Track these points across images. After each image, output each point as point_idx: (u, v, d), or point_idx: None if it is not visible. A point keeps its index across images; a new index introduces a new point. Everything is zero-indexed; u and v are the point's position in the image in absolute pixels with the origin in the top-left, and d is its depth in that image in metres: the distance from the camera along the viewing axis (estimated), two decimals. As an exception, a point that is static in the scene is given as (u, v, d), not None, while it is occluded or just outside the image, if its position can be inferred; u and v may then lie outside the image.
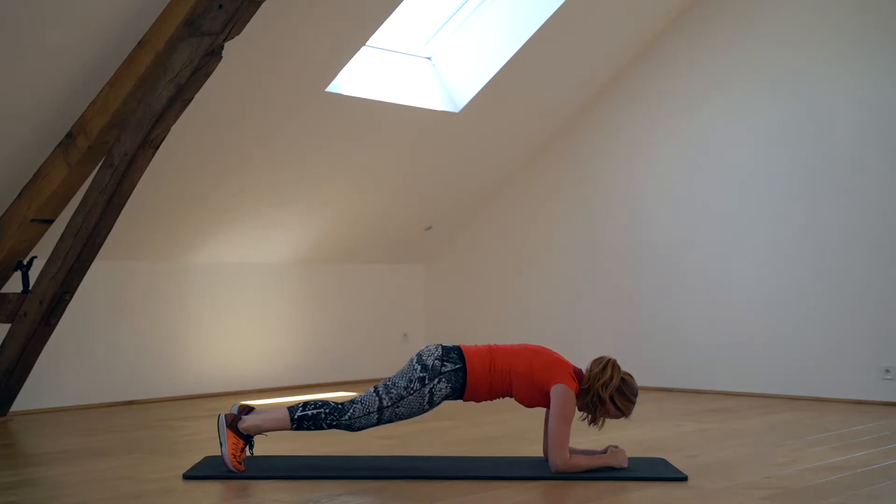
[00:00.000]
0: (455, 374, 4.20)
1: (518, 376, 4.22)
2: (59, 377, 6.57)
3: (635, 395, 4.26)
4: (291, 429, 4.18)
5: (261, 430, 4.20)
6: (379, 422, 4.21)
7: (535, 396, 4.24)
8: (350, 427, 4.20)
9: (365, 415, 4.18)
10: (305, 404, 4.20)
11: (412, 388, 4.18)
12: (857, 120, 6.83)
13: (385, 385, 4.22)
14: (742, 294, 7.27)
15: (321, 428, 4.19)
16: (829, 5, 7.02)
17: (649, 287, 7.76)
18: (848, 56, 6.90)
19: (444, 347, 4.27)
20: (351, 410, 4.18)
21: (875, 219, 6.72)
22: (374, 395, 4.20)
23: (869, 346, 6.68)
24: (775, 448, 4.90)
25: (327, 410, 4.17)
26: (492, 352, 4.29)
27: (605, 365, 4.24)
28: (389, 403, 4.18)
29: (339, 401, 4.26)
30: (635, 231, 7.87)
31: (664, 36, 7.75)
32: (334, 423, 4.18)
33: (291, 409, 4.19)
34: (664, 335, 7.64)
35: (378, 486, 4.01)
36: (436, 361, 4.20)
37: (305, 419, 4.16)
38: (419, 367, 4.21)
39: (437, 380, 4.18)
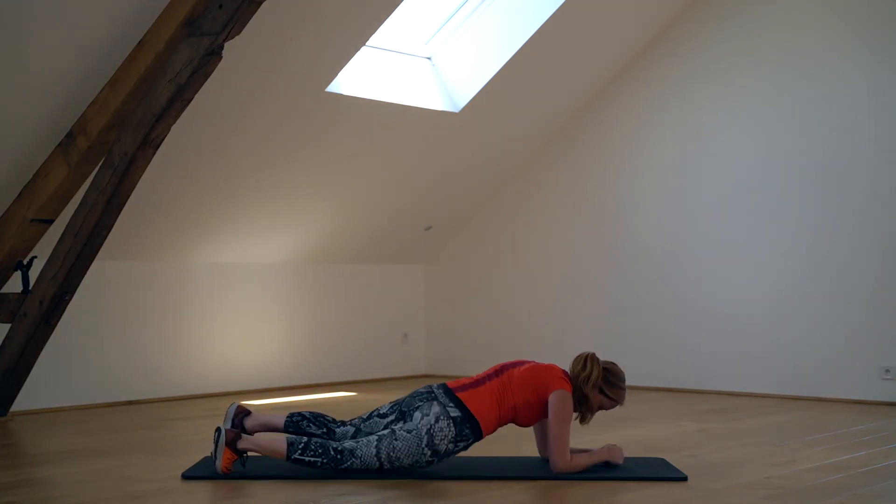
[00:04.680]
0: (465, 447, 4.19)
1: (522, 407, 4.21)
2: (59, 377, 6.57)
3: (623, 381, 4.28)
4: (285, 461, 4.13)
5: (256, 451, 4.16)
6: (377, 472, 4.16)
7: (537, 413, 4.24)
8: (345, 473, 4.11)
9: (362, 469, 4.10)
10: (305, 448, 4.07)
11: (417, 465, 4.12)
12: (861, 120, 6.82)
13: (388, 454, 4.06)
14: (742, 294, 7.26)
15: (315, 469, 4.11)
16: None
17: (650, 287, 7.75)
18: (854, 54, 6.89)
19: (454, 423, 4.09)
20: (349, 464, 4.08)
21: (876, 219, 6.72)
22: (376, 458, 4.07)
23: (869, 346, 6.68)
24: (775, 448, 4.90)
25: (325, 460, 4.07)
26: (493, 394, 4.18)
27: (584, 361, 4.25)
28: (389, 467, 4.10)
29: (338, 418, 4.26)
30: (636, 231, 7.86)
31: (665, 35, 7.75)
32: (329, 470, 4.10)
33: (291, 446, 4.07)
34: (664, 335, 7.63)
35: (378, 485, 4.01)
36: (448, 445, 4.11)
37: (303, 464, 4.10)
38: (429, 452, 4.08)
39: (446, 457, 4.16)
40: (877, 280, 6.69)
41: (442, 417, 4.09)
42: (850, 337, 6.76)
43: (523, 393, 4.19)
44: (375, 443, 4.08)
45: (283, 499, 3.78)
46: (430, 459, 4.11)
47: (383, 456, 4.07)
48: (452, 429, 4.09)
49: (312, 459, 4.07)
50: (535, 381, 4.21)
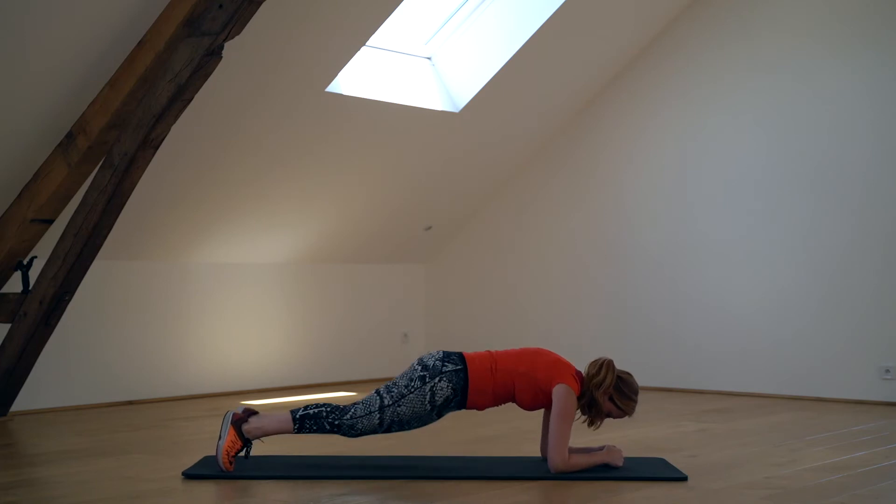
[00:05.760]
0: (456, 375, 4.19)
1: (521, 377, 4.21)
2: (59, 377, 6.57)
3: (636, 394, 4.26)
4: (293, 430, 4.21)
5: (263, 432, 4.22)
6: (381, 423, 4.20)
7: (538, 397, 4.23)
8: (352, 427, 4.19)
9: (366, 414, 4.19)
10: (307, 406, 4.26)
11: (413, 387, 4.18)
12: (860, 120, 6.83)
13: (387, 386, 4.26)
14: (742, 294, 7.27)
15: (323, 428, 4.20)
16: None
17: (650, 287, 7.75)
18: (854, 55, 6.89)
19: (445, 352, 4.30)
20: (352, 410, 4.21)
21: (876, 218, 6.72)
22: (376, 395, 4.23)
23: (869, 346, 6.68)
24: (775, 448, 4.90)
25: (329, 409, 4.22)
26: (493, 355, 4.29)
27: (601, 366, 4.24)
28: (390, 402, 4.19)
29: (342, 402, 4.30)
30: (636, 231, 7.86)
31: (665, 35, 7.75)
32: (336, 421, 4.20)
33: (294, 410, 4.25)
34: (665, 335, 7.64)
35: (378, 486, 4.01)
36: (437, 362, 4.22)
37: (307, 418, 4.20)
38: (419, 368, 4.23)
39: (437, 378, 4.18)
40: (877, 280, 6.69)
41: (435, 351, 4.31)
42: (850, 337, 6.76)
43: (525, 366, 4.22)
44: (375, 389, 4.30)
45: (283, 499, 3.78)
46: (421, 374, 4.21)
47: (382, 390, 4.26)
48: (441, 353, 4.29)
49: (317, 410, 4.23)
50: (544, 367, 4.21)
